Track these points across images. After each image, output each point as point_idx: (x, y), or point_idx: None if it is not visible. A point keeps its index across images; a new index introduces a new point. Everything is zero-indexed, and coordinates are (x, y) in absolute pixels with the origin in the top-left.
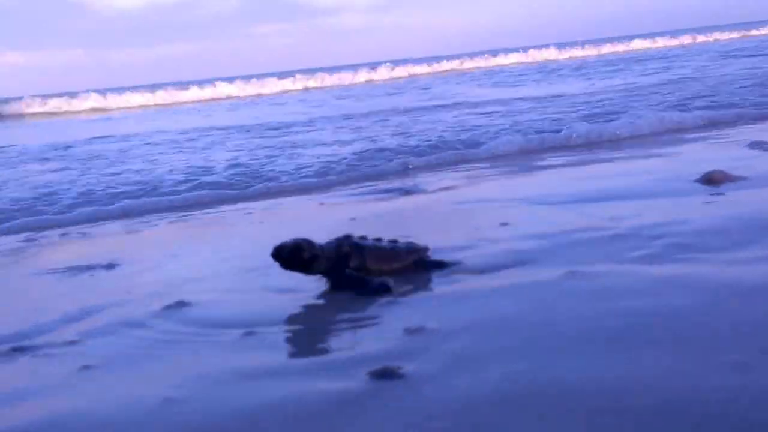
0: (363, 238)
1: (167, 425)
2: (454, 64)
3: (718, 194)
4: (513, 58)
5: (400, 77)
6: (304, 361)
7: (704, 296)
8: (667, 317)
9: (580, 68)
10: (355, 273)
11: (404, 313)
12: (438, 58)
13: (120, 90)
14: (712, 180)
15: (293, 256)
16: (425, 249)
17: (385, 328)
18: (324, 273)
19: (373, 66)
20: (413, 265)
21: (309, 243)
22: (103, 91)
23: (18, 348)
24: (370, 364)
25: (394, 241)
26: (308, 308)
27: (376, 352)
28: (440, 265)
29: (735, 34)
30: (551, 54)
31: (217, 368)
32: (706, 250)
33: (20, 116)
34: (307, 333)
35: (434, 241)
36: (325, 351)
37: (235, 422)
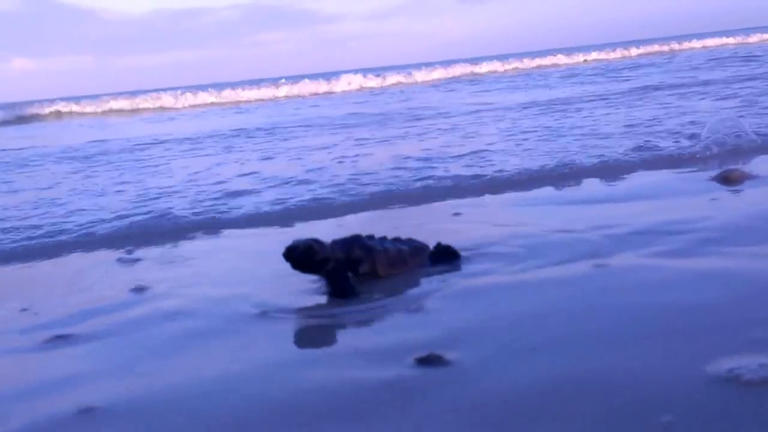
0: (371, 237)
1: (215, 413)
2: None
3: (738, 191)
4: (533, 62)
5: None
6: (346, 349)
7: (734, 290)
8: (697, 310)
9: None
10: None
11: (433, 305)
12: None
13: (136, 93)
14: (729, 178)
15: (304, 257)
16: (428, 248)
17: (411, 319)
18: (326, 274)
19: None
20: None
21: (320, 244)
22: (134, 93)
23: (61, 336)
24: (414, 351)
25: (397, 239)
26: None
27: (417, 340)
28: (448, 253)
29: None
30: (560, 59)
31: (262, 356)
32: (732, 244)
33: (40, 117)
34: (335, 324)
35: (456, 236)
36: (364, 339)
37: (287, 408)
